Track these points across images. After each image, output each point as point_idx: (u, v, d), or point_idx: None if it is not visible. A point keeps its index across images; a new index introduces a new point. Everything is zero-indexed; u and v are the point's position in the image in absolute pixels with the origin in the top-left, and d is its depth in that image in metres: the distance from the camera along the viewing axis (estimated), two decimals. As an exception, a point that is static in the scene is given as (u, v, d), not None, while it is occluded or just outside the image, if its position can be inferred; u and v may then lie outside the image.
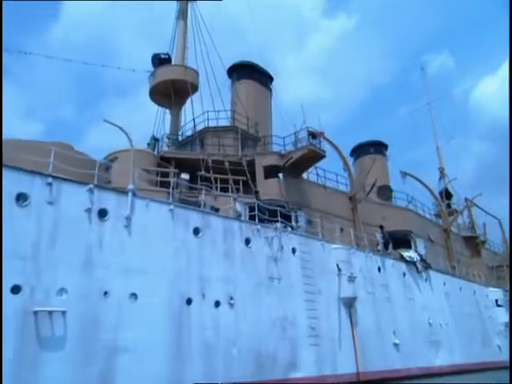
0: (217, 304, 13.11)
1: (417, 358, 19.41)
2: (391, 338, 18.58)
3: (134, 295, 11.40)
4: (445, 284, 24.41)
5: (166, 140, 21.18)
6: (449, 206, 34.33)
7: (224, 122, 23.06)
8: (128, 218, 11.97)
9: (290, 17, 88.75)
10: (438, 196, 31.62)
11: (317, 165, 21.73)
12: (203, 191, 15.98)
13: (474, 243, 33.90)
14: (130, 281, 11.44)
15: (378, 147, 38.01)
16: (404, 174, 34.30)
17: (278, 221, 16.66)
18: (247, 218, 16.95)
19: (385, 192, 31.86)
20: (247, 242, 14.78)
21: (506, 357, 26.93)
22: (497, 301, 29.72)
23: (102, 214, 11.54)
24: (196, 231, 13.43)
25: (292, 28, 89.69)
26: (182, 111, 23.41)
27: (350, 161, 38.70)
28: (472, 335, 24.65)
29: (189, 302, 12.48)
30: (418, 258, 22.49)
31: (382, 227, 21.50)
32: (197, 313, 12.55)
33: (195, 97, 22.57)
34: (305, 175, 22.46)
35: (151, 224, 12.46)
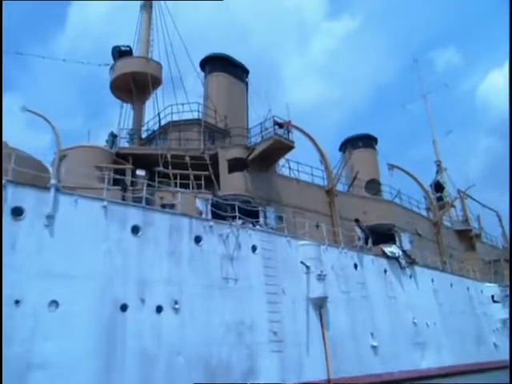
0: (159, 309, 11.84)
1: (399, 360, 17.96)
2: (368, 341, 17.17)
3: (54, 303, 10.16)
4: (433, 280, 22.93)
5: (127, 136, 19.95)
6: (441, 198, 32.80)
7: (195, 116, 21.87)
8: (50, 217, 10.75)
9: (293, 19, 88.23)
10: (428, 188, 30.14)
11: (293, 158, 20.55)
12: (143, 186, 14.64)
13: (468, 237, 32.33)
14: (50, 287, 10.20)
15: (368, 141, 36.55)
16: (391, 167, 32.94)
17: (241, 217, 15.45)
18: (209, 216, 15.72)
19: (373, 186, 30.54)
20: (198, 240, 13.51)
21: (503, 355, 25.43)
22: (493, 296, 28.15)
23: (17, 212, 10.33)
24: (135, 230, 12.19)
25: (296, 30, 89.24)
26: (151, 106, 22.26)
27: (339, 155, 37.91)
28: (464, 334, 23.12)
29: (124, 308, 11.22)
30: (401, 253, 21.07)
31: (357, 221, 20.11)
32: (133, 320, 11.28)
33: (168, 92, 21.52)
34: (282, 169, 21.36)
35: (80, 223, 11.23)
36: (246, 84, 27.54)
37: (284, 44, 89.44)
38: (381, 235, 22.27)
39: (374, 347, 17.18)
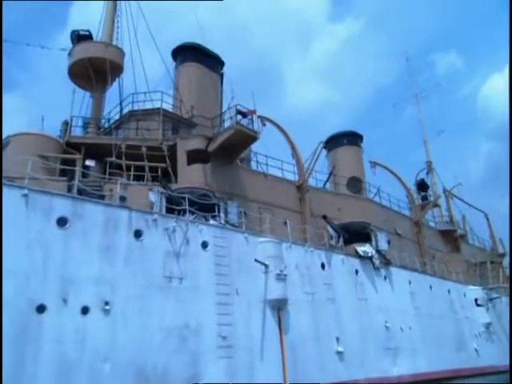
0: (84, 310, 10.62)
1: (367, 367, 16.77)
2: (333, 346, 15.98)
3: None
4: (410, 282, 21.77)
5: (82, 125, 18.72)
6: (425, 198, 31.68)
7: (166, 107, 20.68)
8: (-45, 205, 9.55)
9: (295, 22, 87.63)
10: (410, 187, 29.00)
11: (272, 154, 19.42)
12: (96, 178, 13.55)
13: (452, 238, 31.23)
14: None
15: (352, 138, 35.54)
16: (374, 164, 32.00)
17: (192, 211, 14.30)
18: (164, 210, 14.56)
19: (354, 184, 29.43)
20: (138, 234, 12.31)
21: (484, 362, 24.32)
22: (476, 300, 27.03)
23: None
24: (61, 221, 10.98)
25: (297, 32, 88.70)
26: (117, 95, 20.98)
27: (323, 153, 36.77)
28: (443, 339, 21.94)
29: (41, 309, 10.00)
30: (375, 252, 19.90)
31: (325, 217, 18.93)
32: (52, 322, 10.06)
33: (141, 83, 20.34)
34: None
35: (-7, 212, 10.02)
36: (222, 76, 26.46)
37: (285, 46, 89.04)
38: (356, 234, 21.13)
39: (339, 353, 15.99)
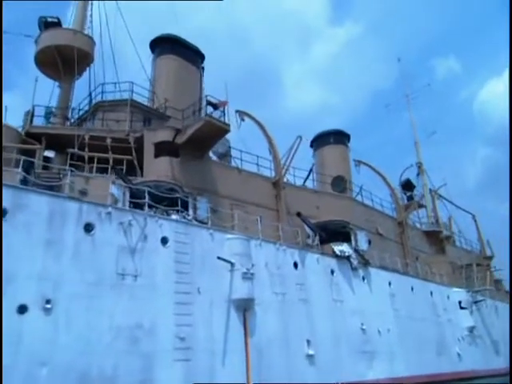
0: (22, 309, 9.79)
1: (340, 371, 16.03)
2: (304, 349, 15.23)
3: None
4: (390, 284, 21.08)
5: (43, 115, 17.85)
6: (411, 198, 31.02)
7: (140, 99, 19.89)
8: None
9: (294, 24, 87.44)
10: (394, 186, 28.32)
11: (245, 149, 18.69)
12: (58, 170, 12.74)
13: (438, 239, 30.60)
14: None
15: (339, 137, 34.92)
16: (358, 163, 31.35)
17: (152, 205, 13.52)
18: (127, 204, 13.74)
19: (339, 183, 28.75)
20: (89, 228, 11.50)
21: (467, 366, 23.68)
22: (460, 302, 26.40)
23: None
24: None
25: (297, 35, 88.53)
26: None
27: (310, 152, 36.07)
28: (423, 343, 21.25)
29: (-30, 306, 9.17)
30: (352, 252, 19.19)
31: (299, 214, 18.19)
32: (-18, 322, 9.22)
33: (124, 74, 19.53)
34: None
35: None
36: (202, 69, 25.73)
37: (285, 48, 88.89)
38: (334, 233, 20.43)
39: (309, 356, 15.24)
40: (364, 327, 18.04)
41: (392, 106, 51.01)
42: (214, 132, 16.68)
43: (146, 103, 20.28)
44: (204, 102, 16.33)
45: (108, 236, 11.74)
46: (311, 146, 36.56)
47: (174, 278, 12.65)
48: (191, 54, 24.65)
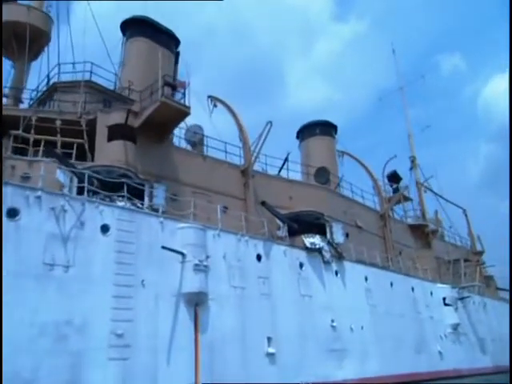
0: None
1: (305, 370, 15.02)
2: (263, 347, 14.20)
3: None
4: (367, 278, 20.04)
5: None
6: (397, 190, 29.86)
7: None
8: None
9: (298, 20, 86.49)
10: (377, 177, 27.19)
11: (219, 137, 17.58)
12: None
13: (423, 233, 29.51)
14: None
15: (325, 128, 33.88)
16: (341, 154, 30.28)
17: (96, 191, 12.47)
18: (74, 190, 12.66)
19: (323, 174, 27.66)
20: (13, 213, 10.43)
21: (448, 365, 22.70)
22: (444, 299, 25.37)
23: None
24: None
25: (300, 31, 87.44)
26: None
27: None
28: (401, 340, 20.23)
29: None
30: (325, 244, 18.13)
31: (264, 203, 17.08)
32: None
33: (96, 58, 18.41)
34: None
35: None
36: (177, 54, 24.56)
37: (288, 45, 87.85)
38: (308, 225, 19.36)
39: (270, 354, 14.22)
40: (334, 324, 17.01)
41: (386, 99, 50.30)
42: (173, 115, 15.58)
43: (112, 87, 19.20)
44: (161, 83, 15.17)
45: (36, 222, 10.67)
46: (297, 137, 35.56)
47: (115, 270, 11.60)
48: (164, 38, 23.40)
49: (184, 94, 15.72)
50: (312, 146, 33.37)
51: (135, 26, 22.85)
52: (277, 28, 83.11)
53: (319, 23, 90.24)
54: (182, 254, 12.95)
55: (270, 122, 18.11)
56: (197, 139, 21.64)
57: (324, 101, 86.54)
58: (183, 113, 15.60)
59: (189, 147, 19.63)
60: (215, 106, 21.94)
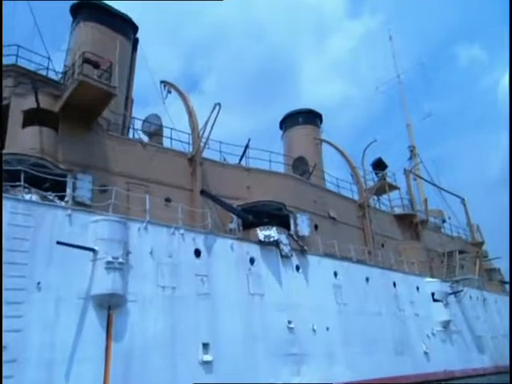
0: None
1: (252, 379, 13.19)
2: (198, 354, 12.44)
3: None
4: (336, 274, 18.12)
5: None
6: (384, 178, 27.66)
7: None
8: None
9: (312, 17, 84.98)
10: (355, 164, 25.14)
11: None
12: None
13: (412, 224, 27.34)
14: None
15: (309, 117, 32.07)
16: (320, 141, 28.39)
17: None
18: None
19: (300, 164, 25.83)
20: None
21: (435, 367, 20.60)
22: (433, 294, 23.25)
23: None
24: None
25: (314, 28, 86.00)
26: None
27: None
28: (377, 341, 18.24)
29: None
30: (281, 237, 16.28)
31: (203, 192, 15.27)
32: None
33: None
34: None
35: None
36: (136, 41, 23.00)
37: (302, 43, 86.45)
38: (269, 217, 17.58)
39: (205, 363, 12.45)
40: (292, 325, 15.15)
41: (381, 87, 48.21)
42: (96, 96, 13.91)
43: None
44: (79, 61, 13.54)
45: None
46: (281, 127, 33.79)
47: (4, 271, 9.98)
48: (118, 23, 21.86)
49: (110, 73, 14.05)
50: (294, 136, 31.63)
51: (85, 11, 21.35)
52: (291, 24, 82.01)
53: (333, 20, 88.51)
54: (93, 250, 11.28)
55: (219, 104, 16.33)
56: (153, 130, 20.09)
57: (339, 98, 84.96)
58: (107, 94, 13.93)
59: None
60: (169, 92, 20.31)
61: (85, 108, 14.19)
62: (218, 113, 16.67)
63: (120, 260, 11.48)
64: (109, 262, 11.27)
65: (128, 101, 21.72)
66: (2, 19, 12.55)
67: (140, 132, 19.99)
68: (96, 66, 13.79)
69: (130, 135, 18.83)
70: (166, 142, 18.99)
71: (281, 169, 22.33)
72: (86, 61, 13.64)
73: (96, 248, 11.33)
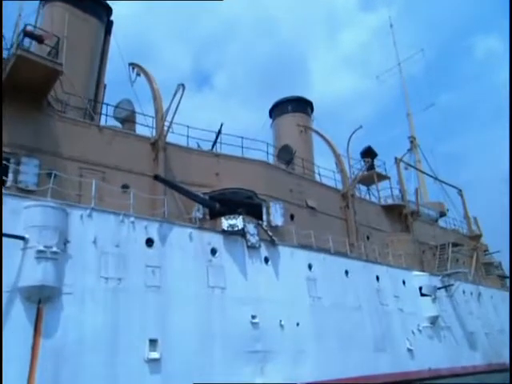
0: None
1: (206, 377, 12.23)
2: (144, 352, 11.48)
3: None
4: (311, 266, 17.05)
5: None
6: (372, 167, 26.48)
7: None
8: None
9: (323, 10, 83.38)
10: (339, 152, 23.94)
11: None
12: None
13: (401, 215, 26.11)
14: None
15: (298, 104, 30.94)
16: (305, 129, 27.26)
17: None
18: None
19: (285, 153, 24.77)
20: None
21: (419, 365, 19.51)
22: (421, 288, 22.09)
23: None
24: None
25: (327, 20, 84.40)
26: None
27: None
28: (355, 338, 17.19)
29: None
30: (247, 226, 15.22)
31: (156, 177, 14.22)
32: None
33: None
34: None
35: None
36: (110, 23, 21.98)
37: (314, 36, 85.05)
38: (239, 205, 16.51)
39: (152, 360, 11.50)
40: (256, 320, 14.15)
41: (382, 76, 46.82)
42: (41, 74, 12.91)
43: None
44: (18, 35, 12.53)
45: None
46: (270, 116, 32.67)
47: None
48: (91, 5, 20.85)
49: (57, 49, 13.04)
50: (282, 125, 30.54)
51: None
52: (301, 20, 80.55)
53: (345, 13, 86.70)
54: (23, 238, 10.34)
55: (182, 85, 15.27)
56: (124, 115, 19.12)
57: (351, 92, 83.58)
58: (53, 71, 12.92)
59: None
60: (138, 74, 19.24)
61: (30, 87, 13.21)
62: (182, 94, 15.60)
63: (54, 249, 10.52)
64: (40, 251, 10.32)
65: (100, 85, 20.80)
66: (2, 19, 12.23)
67: (113, 119, 19.10)
68: (40, 40, 12.80)
69: (103, 121, 17.93)
70: (140, 129, 18.08)
71: (266, 158, 21.28)
72: (28, 35, 12.64)
73: (26, 236, 10.39)
